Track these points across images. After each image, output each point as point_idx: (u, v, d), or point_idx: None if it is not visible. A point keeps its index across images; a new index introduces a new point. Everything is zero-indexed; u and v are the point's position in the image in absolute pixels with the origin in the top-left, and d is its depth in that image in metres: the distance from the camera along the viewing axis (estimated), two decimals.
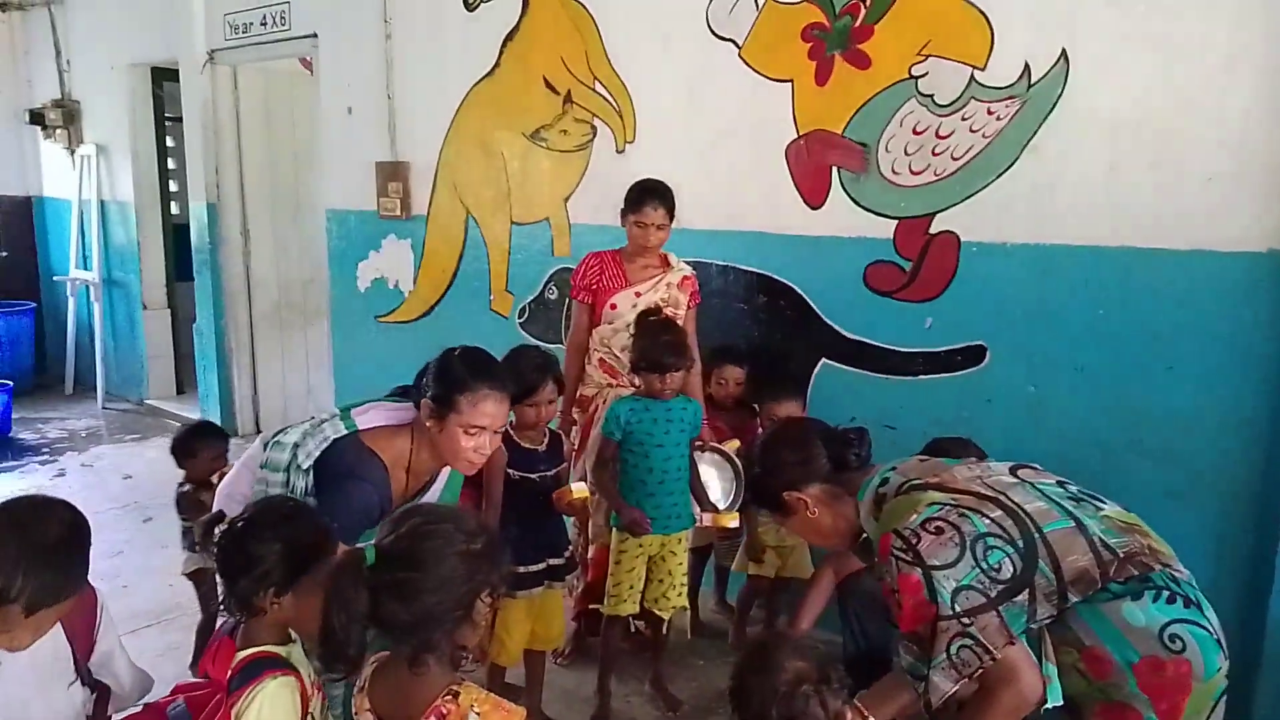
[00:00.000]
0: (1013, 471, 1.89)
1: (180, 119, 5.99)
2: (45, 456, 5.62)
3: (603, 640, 3.03)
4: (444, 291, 4.69)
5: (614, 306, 3.19)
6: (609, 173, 3.86)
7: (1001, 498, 1.76)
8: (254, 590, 1.68)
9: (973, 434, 2.68)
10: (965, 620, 1.64)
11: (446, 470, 2.23)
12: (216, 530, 1.78)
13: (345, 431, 2.09)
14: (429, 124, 4.57)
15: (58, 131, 6.80)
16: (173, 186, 6.86)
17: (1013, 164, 2.93)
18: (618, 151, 3.88)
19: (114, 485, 5.15)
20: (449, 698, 1.46)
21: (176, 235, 6.63)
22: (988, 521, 1.71)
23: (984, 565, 1.67)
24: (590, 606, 3.18)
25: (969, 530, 1.69)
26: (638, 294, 3.19)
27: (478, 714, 1.46)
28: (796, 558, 3.27)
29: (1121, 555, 1.68)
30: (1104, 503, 1.85)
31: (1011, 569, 1.67)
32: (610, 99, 3.87)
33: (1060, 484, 1.88)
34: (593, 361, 3.26)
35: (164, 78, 6.38)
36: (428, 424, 2.06)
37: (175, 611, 3.65)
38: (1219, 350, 2.67)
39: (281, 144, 5.97)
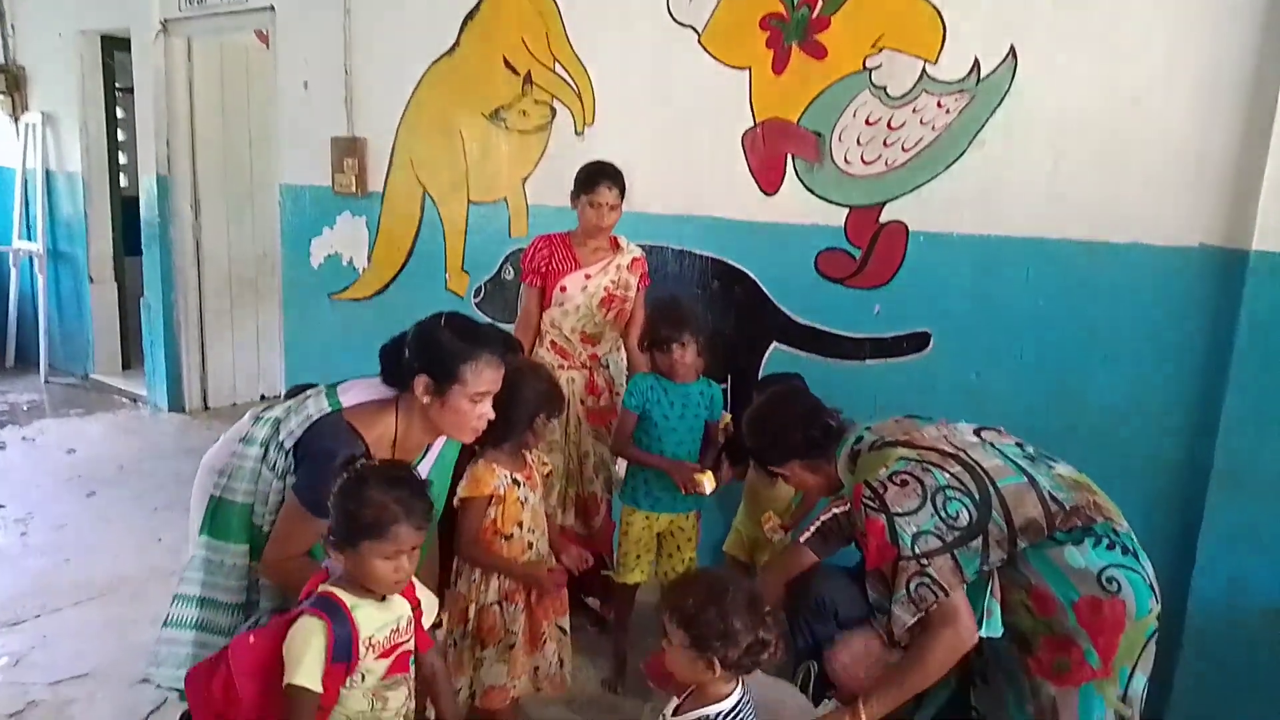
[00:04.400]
0: (976, 433, 2.09)
1: (131, 90, 5.88)
2: None
3: (615, 607, 3.19)
4: (399, 270, 4.67)
5: (564, 289, 3.20)
6: (568, 155, 3.87)
7: (962, 454, 1.95)
8: (329, 535, 1.75)
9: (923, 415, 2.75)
10: (923, 561, 1.83)
11: (437, 447, 2.20)
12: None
13: (329, 409, 2.05)
14: (387, 101, 4.55)
15: (1, 98, 6.61)
16: (122, 159, 6.71)
17: (961, 156, 3.01)
18: (576, 134, 3.90)
19: (57, 459, 5.06)
20: None
21: (125, 208, 6.49)
22: (948, 476, 1.90)
23: (943, 514, 1.85)
24: (601, 573, 3.21)
25: (931, 483, 1.89)
26: (588, 276, 3.20)
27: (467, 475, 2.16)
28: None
29: (1068, 508, 1.87)
30: (1057, 463, 2.04)
31: (968, 518, 1.85)
32: (570, 81, 3.88)
33: (1019, 445, 2.08)
34: (544, 344, 3.27)
35: (115, 47, 6.23)
36: (424, 400, 2.01)
37: (119, 584, 3.61)
38: (1153, 341, 2.77)
39: (235, 118, 5.88)
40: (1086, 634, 1.80)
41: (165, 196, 5.75)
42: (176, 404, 6.00)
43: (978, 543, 1.82)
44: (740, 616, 1.66)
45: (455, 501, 2.35)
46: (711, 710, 1.71)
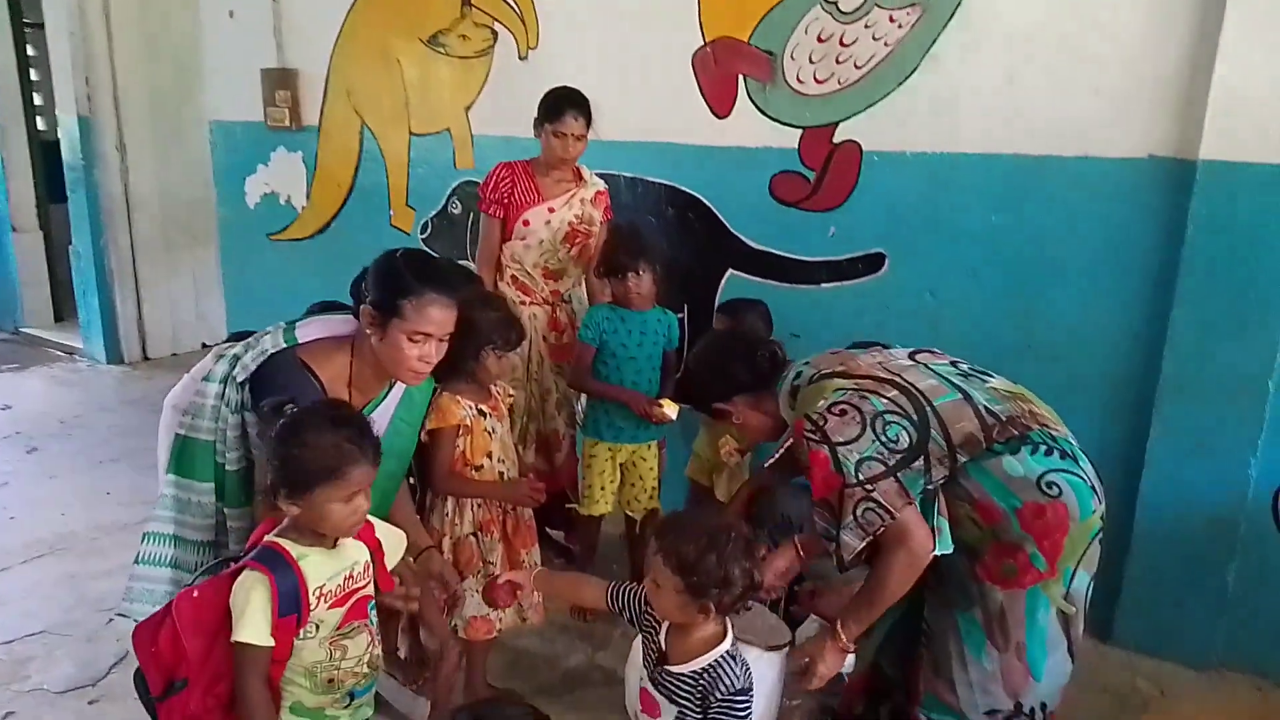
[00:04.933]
0: (911, 356, 2.09)
1: (42, 25, 5.54)
2: None
3: (580, 538, 3.21)
4: (340, 207, 4.53)
5: (527, 223, 3.09)
6: (512, 81, 3.76)
7: (897, 379, 1.96)
8: (273, 485, 1.65)
9: (873, 340, 2.75)
10: (868, 487, 1.84)
11: (398, 391, 2.12)
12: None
13: (284, 345, 1.99)
14: (318, 28, 4.34)
15: None
16: (38, 100, 6.36)
17: (913, 72, 2.97)
18: (520, 58, 3.77)
19: None
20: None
21: (46, 153, 6.18)
22: (885, 400, 1.91)
23: (883, 439, 1.87)
24: (567, 506, 3.20)
25: (869, 409, 1.89)
26: (551, 209, 3.10)
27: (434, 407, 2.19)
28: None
29: (1004, 419, 1.89)
30: (992, 377, 2.06)
31: (908, 440, 1.86)
32: (511, 3, 3.74)
33: (954, 364, 2.09)
34: (504, 278, 3.18)
35: None
36: (368, 332, 1.95)
37: (69, 540, 3.52)
38: (1102, 255, 2.80)
39: (159, 51, 5.58)
40: (1031, 538, 1.84)
41: (88, 138, 5.46)
42: (114, 355, 5.81)
43: (920, 463, 1.85)
44: (738, 563, 1.64)
45: (423, 435, 2.30)
46: (710, 658, 1.69)
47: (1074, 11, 2.73)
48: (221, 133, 4.94)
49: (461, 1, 3.85)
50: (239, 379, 1.96)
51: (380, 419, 2.06)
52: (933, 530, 1.86)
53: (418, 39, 4.01)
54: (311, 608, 1.67)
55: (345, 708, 1.80)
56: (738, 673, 1.69)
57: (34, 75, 6.29)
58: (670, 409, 2.90)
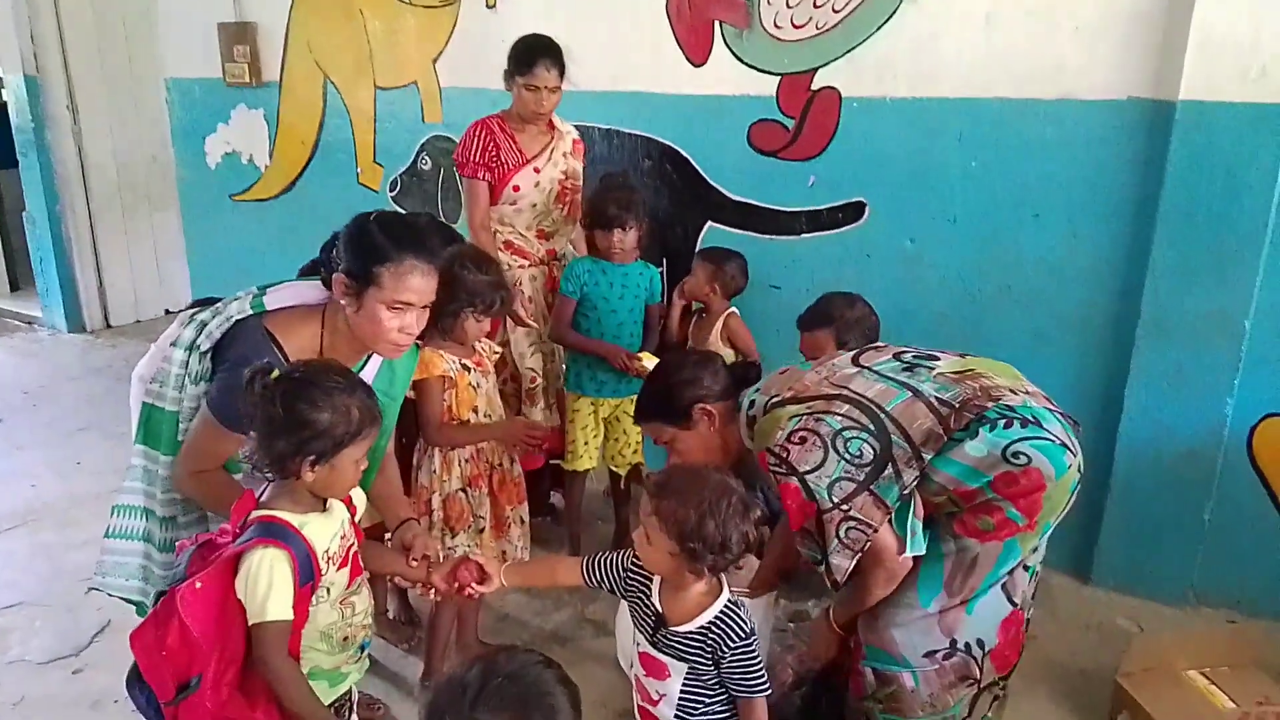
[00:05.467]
0: (854, 360, 2.07)
1: None
2: None
3: (566, 494, 3.18)
4: (304, 165, 4.42)
5: (517, 189, 2.99)
6: (480, 30, 3.66)
7: (845, 392, 1.95)
8: (292, 454, 1.56)
9: (854, 290, 2.75)
10: (845, 507, 1.84)
11: (376, 363, 2.01)
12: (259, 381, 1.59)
13: (250, 312, 1.88)
14: None
15: None
16: None
17: (892, 15, 2.93)
18: (488, 6, 3.66)
19: None
20: None
21: None
22: (839, 418, 1.90)
23: (847, 456, 1.86)
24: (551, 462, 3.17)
25: (826, 431, 1.89)
26: (537, 170, 3.01)
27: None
28: None
29: (957, 406, 1.88)
30: (939, 360, 2.03)
31: (871, 451, 1.86)
32: None
33: (896, 356, 2.06)
34: (496, 243, 3.05)
35: None
36: (342, 303, 1.82)
37: (41, 512, 3.45)
38: (1082, 198, 2.80)
39: (109, 6, 5.37)
40: (1008, 500, 1.85)
41: (36, 98, 5.26)
42: (76, 324, 5.67)
43: (889, 470, 1.85)
44: (736, 526, 1.60)
45: (409, 391, 2.25)
46: (713, 612, 1.67)
47: None
48: (178, 91, 4.79)
49: None
50: (203, 348, 1.86)
51: None
52: (907, 533, 1.87)
53: None
54: (323, 572, 1.64)
55: (355, 662, 1.80)
56: (744, 618, 1.68)
57: None
58: (650, 362, 2.88)
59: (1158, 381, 2.75)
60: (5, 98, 5.45)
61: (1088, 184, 2.79)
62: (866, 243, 3.17)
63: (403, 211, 1.92)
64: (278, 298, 1.95)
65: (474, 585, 1.87)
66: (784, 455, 1.89)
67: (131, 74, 5.51)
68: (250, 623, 1.56)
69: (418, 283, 1.81)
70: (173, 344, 1.91)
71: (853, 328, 2.51)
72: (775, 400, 2.01)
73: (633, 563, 1.79)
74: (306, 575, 1.59)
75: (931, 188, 3.02)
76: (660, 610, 1.72)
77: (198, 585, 1.55)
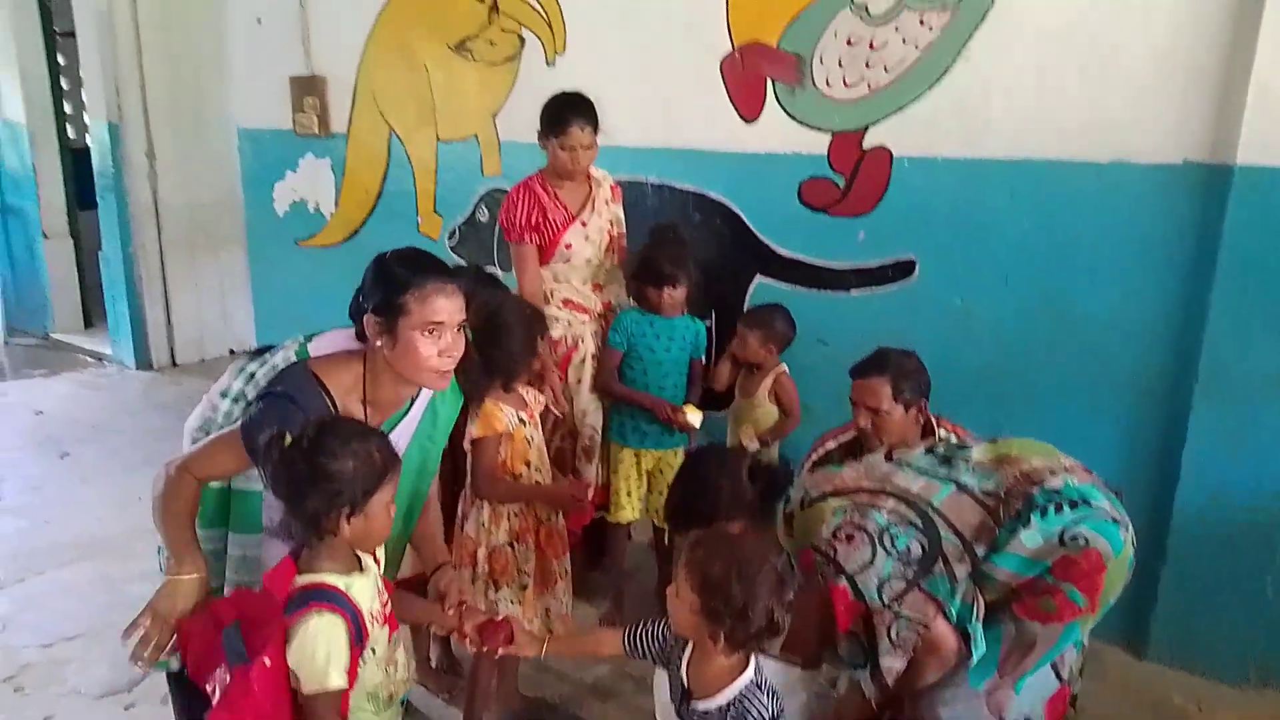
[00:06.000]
0: (888, 457, 2.05)
1: (72, 33, 5.60)
2: None
3: (609, 545, 3.18)
4: (368, 213, 4.56)
5: (569, 246, 3.01)
6: (539, 86, 3.72)
7: (887, 487, 1.91)
8: (325, 510, 1.57)
9: (903, 346, 2.74)
10: (895, 607, 1.81)
11: (421, 404, 2.02)
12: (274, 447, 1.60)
13: (295, 360, 1.93)
14: (346, 35, 4.38)
15: None
16: (68, 108, 6.44)
17: (944, 74, 2.95)
18: (547, 64, 3.78)
19: (25, 421, 4.94)
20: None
21: (76, 160, 6.25)
22: (886, 514, 1.87)
23: (895, 553, 1.83)
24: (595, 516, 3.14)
25: (873, 528, 1.85)
26: (584, 224, 3.03)
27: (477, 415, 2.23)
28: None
29: (1002, 494, 1.85)
30: (970, 448, 2.00)
31: (921, 547, 1.83)
32: (538, 8, 3.75)
33: (929, 450, 2.03)
34: (553, 302, 3.07)
35: None
36: (378, 343, 1.82)
37: (104, 544, 3.56)
38: (1136, 259, 2.77)
39: (186, 59, 5.61)
40: (1068, 582, 1.81)
41: (117, 144, 5.52)
42: (143, 360, 5.87)
43: (940, 566, 1.82)
44: (763, 598, 1.52)
45: (467, 443, 2.31)
46: (735, 690, 1.61)
47: (1106, 11, 2.70)
48: (249, 139, 4.99)
49: (489, 7, 3.86)
50: (250, 395, 1.90)
51: (402, 436, 1.97)
52: (968, 635, 1.84)
53: (445, 45, 4.03)
54: (369, 633, 1.64)
55: (396, 718, 1.81)
56: (765, 703, 1.61)
57: (64, 84, 6.37)
58: (694, 416, 2.90)
59: (1215, 444, 2.68)
60: (89, 143, 5.71)
61: (1142, 244, 2.76)
62: (916, 300, 3.16)
63: (418, 247, 1.96)
64: (322, 344, 1.99)
65: (503, 645, 1.85)
66: (831, 554, 1.86)
67: (206, 123, 5.74)
68: (307, 692, 1.54)
69: (444, 303, 1.81)
70: (222, 394, 1.98)
71: (909, 378, 2.47)
72: (815, 496, 1.98)
73: (669, 629, 1.75)
74: (357, 638, 1.60)
75: (982, 246, 3.01)
76: (685, 684, 1.68)
77: (267, 662, 1.54)
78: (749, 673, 1.63)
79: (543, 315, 2.48)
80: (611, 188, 3.17)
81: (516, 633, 1.87)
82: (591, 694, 2.73)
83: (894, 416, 2.35)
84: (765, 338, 3.03)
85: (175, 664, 1.81)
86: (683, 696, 1.68)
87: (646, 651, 1.80)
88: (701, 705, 1.63)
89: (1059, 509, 1.81)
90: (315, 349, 1.97)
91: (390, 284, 1.79)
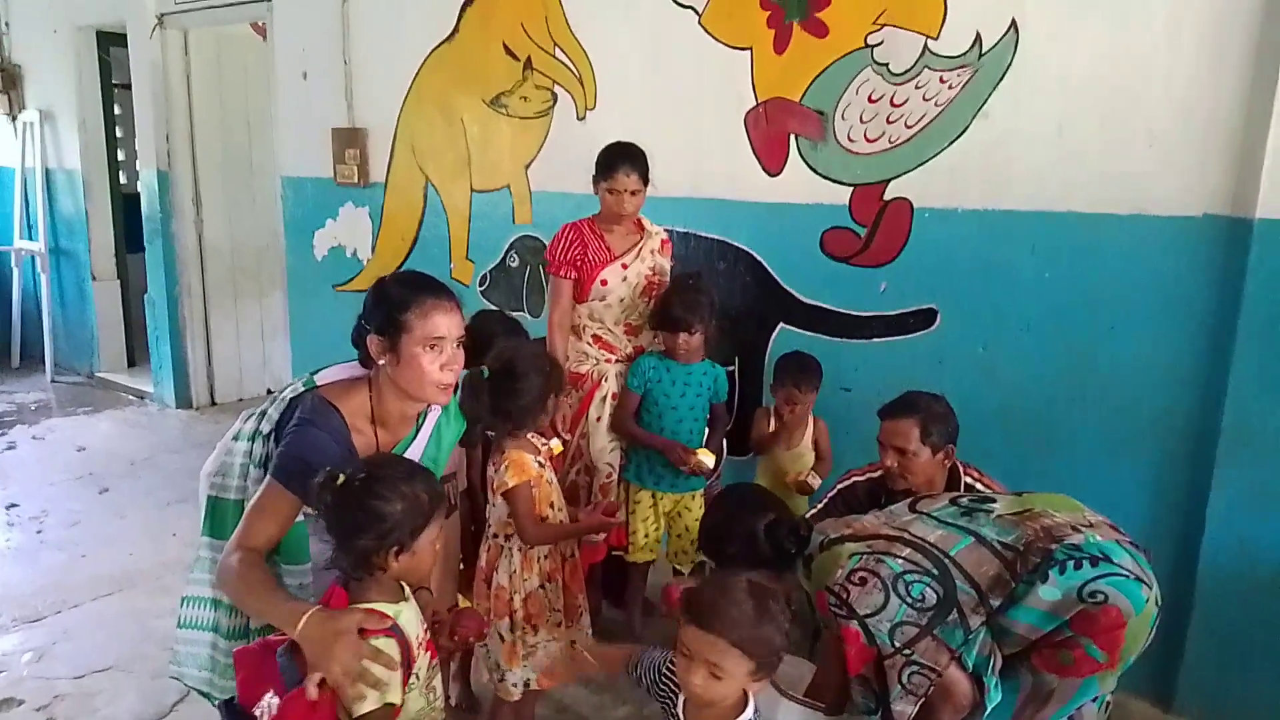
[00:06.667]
0: (911, 507, 2.06)
1: (128, 85, 5.87)
2: None
3: (628, 586, 3.22)
4: (404, 259, 4.67)
5: (605, 283, 3.10)
6: (570, 139, 3.88)
7: (905, 535, 1.93)
8: (376, 548, 1.65)
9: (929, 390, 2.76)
10: (907, 652, 1.82)
11: (428, 428, 2.09)
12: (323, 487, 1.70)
13: (303, 389, 2.00)
14: (387, 89, 4.54)
15: None
16: (120, 155, 6.70)
17: (964, 131, 3.01)
18: (578, 118, 3.90)
19: (67, 457, 5.08)
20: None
21: (125, 204, 6.50)
22: (901, 561, 1.88)
23: (909, 599, 1.84)
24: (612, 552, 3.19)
25: (887, 573, 1.87)
26: (624, 265, 3.12)
27: (506, 465, 2.30)
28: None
29: (1021, 548, 1.85)
30: (995, 502, 2.02)
31: (935, 595, 1.84)
32: (571, 65, 3.88)
33: (953, 501, 2.05)
34: (584, 338, 3.17)
35: (110, 42, 6.22)
36: (381, 361, 1.89)
37: (137, 578, 3.64)
38: (1158, 310, 2.78)
39: (234, 110, 5.87)
40: (1086, 637, 1.80)
41: (166, 191, 5.75)
42: (183, 400, 6.02)
43: (954, 615, 1.83)
44: (782, 624, 1.59)
45: (499, 492, 2.35)
46: None
47: (1124, 62, 2.74)
48: (292, 188, 5.16)
49: (523, 65, 4.00)
50: (264, 431, 1.97)
51: (413, 458, 2.02)
52: (983, 685, 1.84)
53: (481, 100, 4.17)
54: (416, 659, 1.70)
55: None
56: None
57: (119, 132, 6.64)
58: (707, 458, 2.93)
59: (1241, 496, 2.66)
60: (139, 189, 5.94)
61: (1164, 296, 2.77)
62: (938, 348, 3.18)
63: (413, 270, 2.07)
64: (325, 375, 2.05)
65: (474, 636, 1.95)
66: (844, 596, 1.87)
67: (250, 171, 5.98)
68: (360, 712, 1.58)
69: (442, 319, 1.87)
70: (234, 438, 2.03)
71: (938, 421, 2.49)
72: (833, 538, 2.00)
73: (669, 668, 1.76)
74: (405, 663, 1.65)
75: (1005, 296, 3.04)
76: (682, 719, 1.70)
77: (318, 684, 1.57)
78: (747, 713, 1.64)
79: (561, 369, 2.54)
80: (663, 241, 3.27)
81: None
82: None
83: (921, 459, 2.37)
84: (814, 389, 3.10)
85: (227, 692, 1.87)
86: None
87: (644, 676, 1.84)
88: None
89: (1078, 565, 1.82)
90: (320, 379, 2.04)
91: (391, 303, 1.87)
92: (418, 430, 2.05)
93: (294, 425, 1.88)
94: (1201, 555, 2.73)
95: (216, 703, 2.03)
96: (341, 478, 1.68)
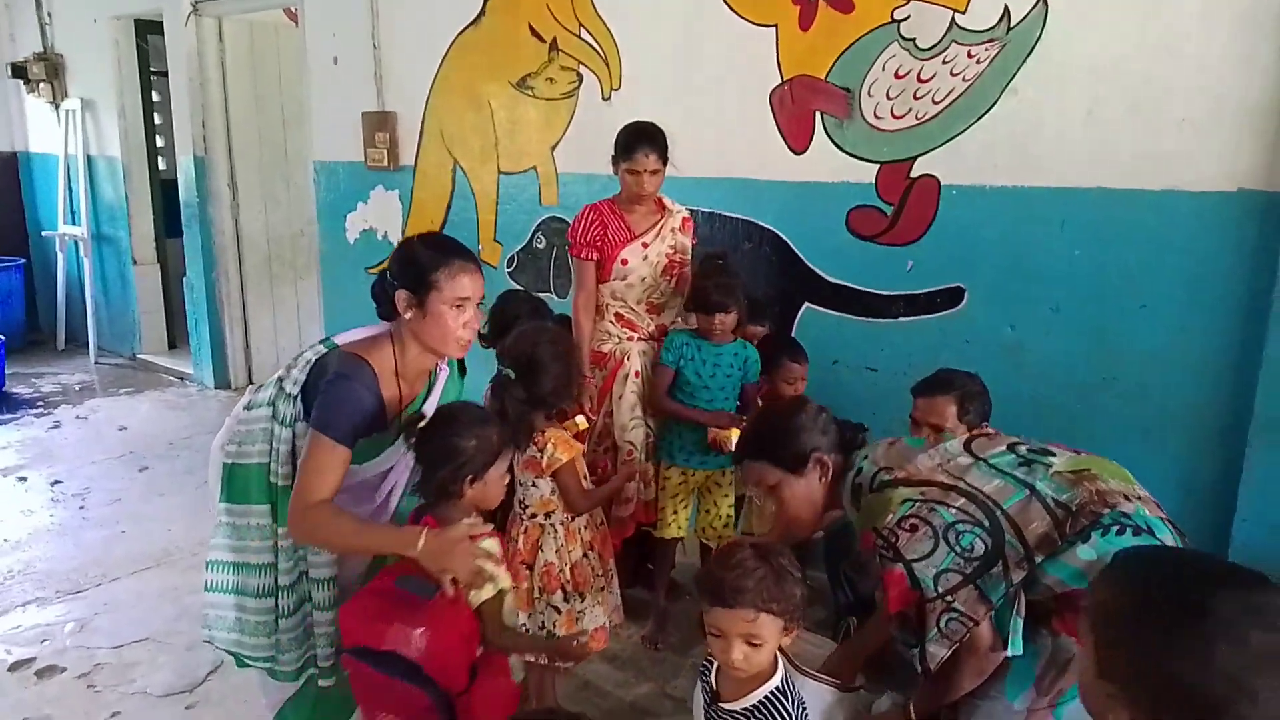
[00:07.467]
0: (967, 447, 2.02)
1: (165, 73, 5.96)
2: (40, 410, 5.68)
3: (656, 562, 3.27)
4: None
5: (625, 262, 3.11)
6: (596, 120, 3.88)
7: (961, 484, 1.91)
8: (454, 478, 1.98)
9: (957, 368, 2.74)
10: (949, 598, 1.81)
11: (440, 383, 2.18)
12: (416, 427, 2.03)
13: (325, 350, 2.06)
14: (415, 74, 4.57)
15: (41, 86, 6.75)
16: (159, 142, 6.83)
17: (992, 107, 2.97)
18: (604, 99, 3.89)
19: (109, 437, 5.22)
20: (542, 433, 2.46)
21: (164, 190, 6.62)
22: (954, 511, 1.87)
23: (958, 549, 1.83)
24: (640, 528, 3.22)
25: (939, 523, 1.86)
26: (645, 244, 3.13)
27: (553, 445, 2.42)
28: None
29: (1074, 508, 1.83)
30: (1054, 456, 1.98)
31: (983, 547, 1.83)
32: (596, 46, 3.88)
33: (1011, 448, 2.01)
34: (607, 317, 3.19)
35: (148, 30, 6.33)
36: (407, 315, 2.00)
37: (175, 554, 3.74)
38: (1190, 289, 2.73)
39: (268, 96, 5.95)
40: None
41: (203, 177, 5.85)
42: (222, 381, 6.15)
43: (998, 568, 1.81)
44: (796, 571, 1.69)
45: (550, 470, 2.44)
46: (761, 694, 1.68)
47: (1155, 43, 2.69)
48: (324, 172, 5.22)
49: (549, 47, 4.01)
50: (291, 392, 2.02)
51: (430, 411, 2.13)
52: (1006, 635, 1.84)
53: (508, 83, 4.19)
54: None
55: None
56: (790, 710, 1.66)
57: (157, 119, 6.76)
58: (736, 438, 2.93)
59: (1273, 483, 2.61)
60: (177, 175, 6.05)
61: (1196, 275, 2.72)
62: (965, 328, 3.15)
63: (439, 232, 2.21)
64: (343, 336, 2.13)
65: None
66: (892, 540, 1.87)
67: (284, 157, 6.06)
68: (477, 603, 1.92)
69: (468, 281, 2.02)
70: (246, 407, 2.10)
71: (974, 399, 2.47)
72: (885, 480, 2.00)
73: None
74: None
75: (1033, 276, 2.99)
76: (714, 686, 1.75)
77: (449, 590, 1.91)
78: (775, 679, 1.69)
79: (578, 349, 2.62)
80: (684, 220, 3.26)
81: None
82: (631, 712, 2.76)
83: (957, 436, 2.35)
84: (804, 361, 3.11)
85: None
86: (711, 698, 1.76)
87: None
88: (728, 707, 1.71)
89: (1120, 532, 1.80)
90: (340, 340, 2.11)
91: (422, 263, 2.00)
92: (430, 388, 2.18)
93: (330, 380, 1.96)
94: (1231, 540, 2.68)
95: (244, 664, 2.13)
96: (424, 422, 2.03)
